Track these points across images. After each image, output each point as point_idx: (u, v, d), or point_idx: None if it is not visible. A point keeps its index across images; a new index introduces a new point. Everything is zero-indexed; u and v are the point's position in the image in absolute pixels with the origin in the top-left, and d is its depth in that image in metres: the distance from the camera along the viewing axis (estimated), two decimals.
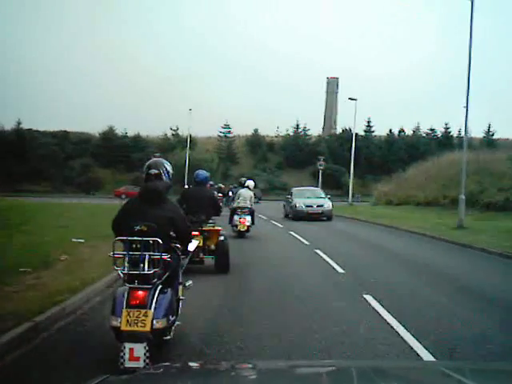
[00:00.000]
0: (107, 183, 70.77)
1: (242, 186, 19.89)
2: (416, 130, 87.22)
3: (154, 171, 5.78)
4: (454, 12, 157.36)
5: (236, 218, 18.08)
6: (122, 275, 5.30)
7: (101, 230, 17.53)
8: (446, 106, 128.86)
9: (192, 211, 10.23)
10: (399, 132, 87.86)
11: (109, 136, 76.26)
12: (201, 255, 10.55)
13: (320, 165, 46.60)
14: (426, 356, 5.72)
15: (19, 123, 71.97)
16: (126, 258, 5.27)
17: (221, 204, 18.64)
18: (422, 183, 33.74)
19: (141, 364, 4.80)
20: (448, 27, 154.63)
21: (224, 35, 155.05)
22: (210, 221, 11.02)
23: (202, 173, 11.58)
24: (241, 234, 17.92)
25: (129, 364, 4.82)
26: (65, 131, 77.03)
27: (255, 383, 2.53)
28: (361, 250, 16.03)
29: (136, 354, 4.88)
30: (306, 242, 16.91)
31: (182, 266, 6.22)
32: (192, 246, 6.56)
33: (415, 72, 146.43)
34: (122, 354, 4.88)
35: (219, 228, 11.19)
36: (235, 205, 18.50)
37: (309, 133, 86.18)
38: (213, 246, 10.86)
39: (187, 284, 6.46)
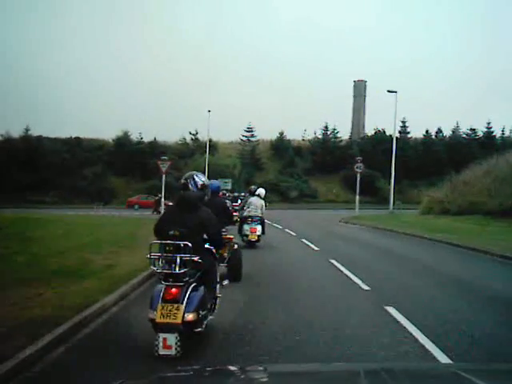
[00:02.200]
0: (121, 192, 65.58)
1: (253, 194, 18.33)
2: (455, 131, 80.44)
3: (182, 181, 6.66)
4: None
5: (246, 227, 17.10)
6: (157, 274, 5.94)
7: (47, 262, 11.85)
8: (486, 102, 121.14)
9: None
10: (436, 133, 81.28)
11: (123, 142, 70.74)
12: None
13: (358, 167, 39.45)
14: None
15: (27, 130, 66.99)
16: (161, 259, 5.91)
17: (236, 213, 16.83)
18: (490, 187, 27.28)
19: (173, 352, 5.44)
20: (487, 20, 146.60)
21: (246, 35, 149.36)
22: (223, 230, 10.28)
23: (214, 182, 11.36)
24: (251, 244, 16.86)
25: (162, 352, 5.44)
26: (77, 138, 71.92)
27: None
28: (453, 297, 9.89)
29: (168, 343, 5.45)
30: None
31: (217, 267, 6.81)
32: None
33: (451, 67, 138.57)
34: (156, 342, 5.46)
35: (232, 236, 11.04)
36: (245, 214, 17.43)
37: (338, 135, 79.87)
38: (226, 254, 10.57)
39: (224, 283, 7.06)
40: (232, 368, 3.14)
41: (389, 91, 41.09)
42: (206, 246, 6.41)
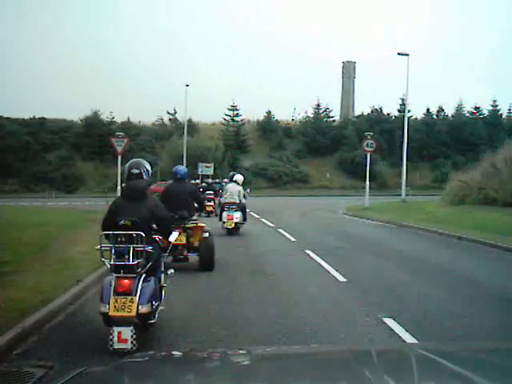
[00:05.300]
0: (90, 179, 58.49)
1: (231, 180, 18.30)
2: (458, 109, 73.79)
3: (135, 171, 6.21)
4: None
5: (224, 214, 16.91)
6: (109, 266, 5.69)
7: None
8: (491, 79, 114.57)
9: (173, 208, 9.08)
10: (438, 111, 74.56)
11: (92, 122, 63.06)
12: (185, 253, 10.20)
13: (368, 145, 31.26)
14: None
15: None
16: (113, 251, 5.68)
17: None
18: None
19: (128, 346, 5.26)
20: None
21: (232, 10, 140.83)
22: (194, 217, 10.54)
23: (182, 168, 11.41)
24: (230, 232, 16.60)
25: (118, 346, 5.27)
26: (41, 118, 64.16)
27: (242, 369, 2.37)
28: None
29: (124, 336, 5.29)
30: None
31: (163, 257, 6.51)
32: (172, 238, 6.69)
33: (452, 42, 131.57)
34: (111, 337, 5.30)
35: (202, 224, 10.64)
36: (223, 200, 17.78)
37: (331, 114, 72.80)
38: (196, 243, 10.34)
39: (169, 272, 6.63)
40: (207, 351, 2.93)
41: (399, 54, 34.32)
42: None
